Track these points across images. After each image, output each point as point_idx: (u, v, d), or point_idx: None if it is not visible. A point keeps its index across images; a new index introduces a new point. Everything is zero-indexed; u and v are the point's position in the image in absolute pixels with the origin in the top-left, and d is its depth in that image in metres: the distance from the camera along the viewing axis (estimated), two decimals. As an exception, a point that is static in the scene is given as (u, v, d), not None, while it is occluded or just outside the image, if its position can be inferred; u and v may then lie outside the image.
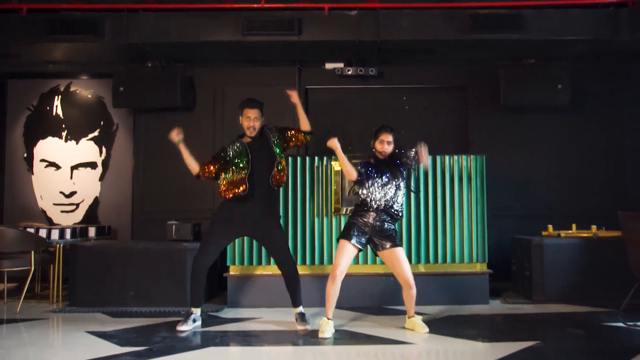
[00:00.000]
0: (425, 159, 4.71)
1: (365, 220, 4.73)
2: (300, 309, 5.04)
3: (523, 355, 4.01)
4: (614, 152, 7.30)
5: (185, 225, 6.16)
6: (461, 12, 6.30)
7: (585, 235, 6.03)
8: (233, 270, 5.90)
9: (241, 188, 4.89)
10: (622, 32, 6.23)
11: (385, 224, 4.75)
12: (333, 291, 4.68)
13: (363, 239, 4.74)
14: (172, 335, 4.67)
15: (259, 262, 5.86)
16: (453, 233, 5.85)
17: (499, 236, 6.65)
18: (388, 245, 4.71)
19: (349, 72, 6.99)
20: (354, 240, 4.70)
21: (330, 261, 5.75)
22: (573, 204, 7.16)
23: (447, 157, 5.90)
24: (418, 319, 4.76)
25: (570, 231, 6.17)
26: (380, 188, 4.73)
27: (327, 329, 4.61)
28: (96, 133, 7.50)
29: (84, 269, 5.88)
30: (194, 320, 4.94)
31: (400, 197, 4.81)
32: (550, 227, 6.30)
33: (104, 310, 5.67)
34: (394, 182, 4.75)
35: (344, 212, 5.80)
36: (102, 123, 7.51)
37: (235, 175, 4.96)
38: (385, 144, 4.78)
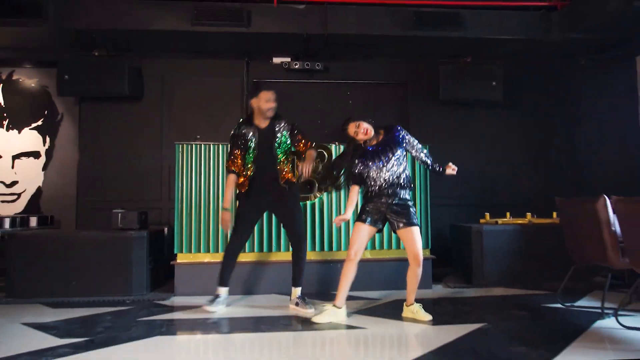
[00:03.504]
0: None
1: (378, 205, 4.18)
2: (299, 291, 4.58)
3: (474, 337, 3.62)
4: (543, 145, 7.09)
5: (131, 214, 5.43)
6: (405, 9, 5.90)
7: (521, 222, 5.73)
8: (181, 258, 5.24)
9: (248, 173, 4.50)
10: (551, 33, 6.00)
11: (398, 197, 4.17)
12: (350, 273, 4.16)
13: (377, 218, 4.18)
14: (115, 325, 4.02)
15: (207, 250, 5.23)
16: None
17: (437, 224, 6.26)
18: (402, 224, 4.14)
19: (296, 66, 6.46)
20: (367, 221, 4.17)
21: (279, 248, 5.24)
22: (506, 193, 6.89)
23: (392, 147, 5.46)
24: (419, 307, 4.21)
25: (506, 219, 5.87)
26: (381, 170, 4.19)
27: (327, 316, 4.11)
28: (40, 122, 6.61)
29: (23, 259, 5.06)
30: (221, 302, 4.52)
31: (404, 168, 4.26)
32: (487, 214, 5.98)
33: (43, 301, 4.89)
34: (394, 159, 4.20)
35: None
36: (46, 112, 6.63)
37: (247, 166, 4.56)
38: (360, 133, 4.19)
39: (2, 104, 6.60)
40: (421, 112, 6.88)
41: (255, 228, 5.04)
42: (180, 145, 5.28)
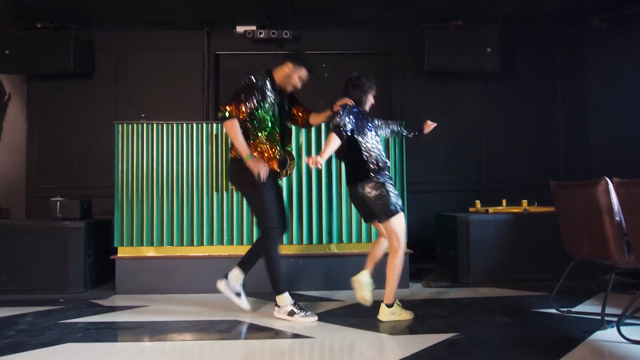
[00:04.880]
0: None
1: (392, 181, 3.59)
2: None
3: (435, 351, 2.88)
4: (546, 120, 6.10)
5: (71, 202, 4.78)
6: (381, -37, 5.02)
7: (515, 210, 4.82)
8: (122, 252, 4.57)
9: (274, 165, 3.62)
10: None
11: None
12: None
13: None
14: (30, 329, 3.45)
15: (151, 243, 4.54)
16: (368, 208, 4.61)
17: (422, 213, 5.43)
18: None
19: (261, 36, 5.63)
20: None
21: (231, 242, 4.54)
22: (503, 177, 5.99)
23: (362, 123, 4.64)
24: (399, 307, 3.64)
25: (499, 207, 5.00)
26: (377, 142, 3.61)
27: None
28: (-14, 103, 6.01)
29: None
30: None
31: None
32: (477, 202, 5.11)
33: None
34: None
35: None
36: (-8, 93, 6.02)
37: (268, 141, 3.59)
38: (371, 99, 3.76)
39: (-54, 84, 6.00)
40: (405, 85, 5.99)
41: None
42: (120, 125, 4.59)
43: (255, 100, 3.50)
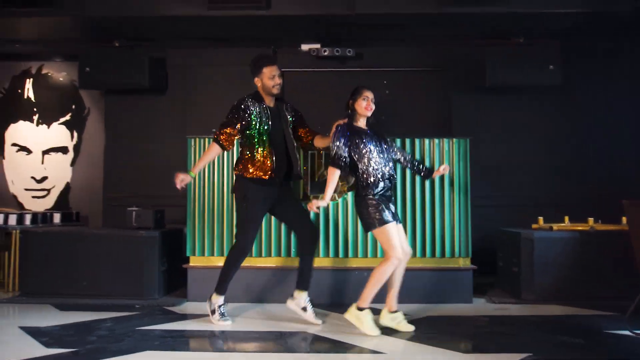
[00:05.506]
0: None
1: (385, 197, 3.67)
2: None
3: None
4: (610, 136, 5.96)
5: (146, 212, 4.99)
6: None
7: (580, 228, 4.74)
8: (194, 262, 4.75)
9: (268, 173, 3.82)
10: (620, 1, 4.90)
11: (392, 197, 3.78)
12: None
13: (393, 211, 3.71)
14: (110, 335, 3.61)
15: (221, 253, 4.70)
16: (433, 224, 4.61)
17: (481, 227, 5.38)
18: (398, 219, 3.74)
19: (326, 53, 5.74)
20: (391, 217, 3.62)
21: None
22: (564, 193, 5.86)
23: (426, 141, 4.65)
24: (402, 315, 3.74)
25: (563, 224, 4.92)
26: (378, 156, 3.66)
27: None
28: (68, 117, 6.37)
29: (37, 257, 4.80)
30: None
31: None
32: (540, 219, 5.03)
33: (54, 301, 4.61)
34: (387, 149, 3.75)
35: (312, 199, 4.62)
36: (73, 107, 6.38)
37: (260, 150, 3.82)
38: (370, 101, 3.74)
39: (33, 98, 6.41)
40: (464, 101, 5.97)
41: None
42: (193, 140, 4.78)
43: (242, 121, 3.77)
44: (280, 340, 3.54)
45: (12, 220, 5.19)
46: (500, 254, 5.16)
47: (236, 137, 3.90)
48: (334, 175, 3.62)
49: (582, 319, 4.08)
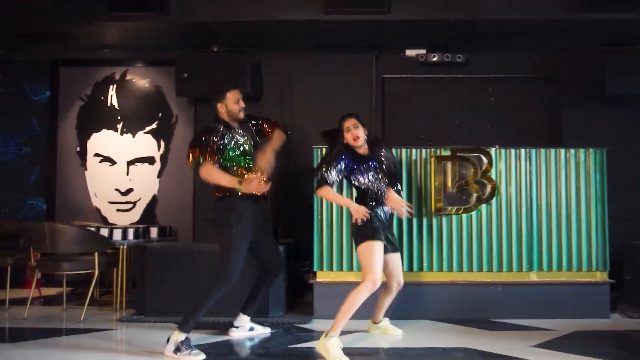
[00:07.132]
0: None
1: (380, 214, 3.68)
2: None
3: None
4: None
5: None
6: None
7: None
8: (320, 277, 4.57)
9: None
10: None
11: (389, 219, 3.79)
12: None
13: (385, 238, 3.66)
14: (268, 353, 3.56)
15: (350, 268, 4.53)
16: (569, 237, 4.50)
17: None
18: (394, 247, 3.76)
19: (434, 59, 5.55)
20: (383, 238, 3.58)
21: (430, 268, 4.50)
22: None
23: (562, 151, 4.56)
24: (388, 321, 4.02)
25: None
26: (373, 179, 3.65)
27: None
28: (154, 125, 6.09)
29: (152, 273, 4.56)
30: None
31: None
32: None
33: (176, 320, 4.28)
34: (380, 173, 3.68)
35: (447, 212, 4.49)
36: (160, 115, 6.09)
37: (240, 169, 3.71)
38: (353, 128, 3.65)
39: (116, 106, 6.13)
40: (578, 110, 5.81)
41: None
42: (319, 150, 4.60)
43: (216, 144, 3.60)
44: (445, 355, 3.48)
45: (117, 235, 4.95)
46: (627, 267, 5.04)
47: None
48: (329, 193, 3.67)
49: None
